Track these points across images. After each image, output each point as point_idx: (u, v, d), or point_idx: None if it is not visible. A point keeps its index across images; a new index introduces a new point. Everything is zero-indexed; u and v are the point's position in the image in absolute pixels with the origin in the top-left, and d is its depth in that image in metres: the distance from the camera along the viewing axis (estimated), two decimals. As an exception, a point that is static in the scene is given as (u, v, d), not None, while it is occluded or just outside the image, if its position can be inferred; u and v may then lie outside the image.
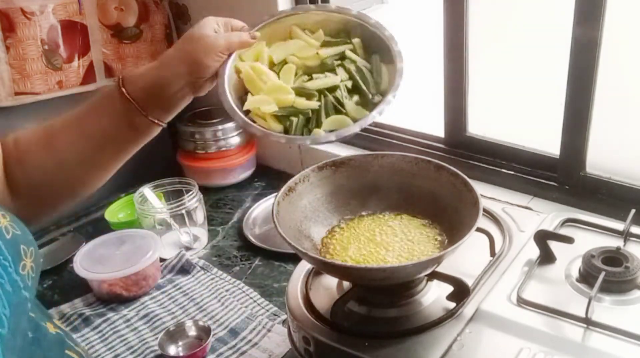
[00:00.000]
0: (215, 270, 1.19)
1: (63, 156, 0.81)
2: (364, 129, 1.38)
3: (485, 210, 1.01)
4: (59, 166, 0.81)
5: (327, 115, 0.87)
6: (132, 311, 1.10)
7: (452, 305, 0.84)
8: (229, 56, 0.89)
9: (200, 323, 1.03)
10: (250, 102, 0.87)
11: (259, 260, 1.22)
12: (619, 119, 1.05)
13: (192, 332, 1.02)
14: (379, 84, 0.91)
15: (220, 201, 1.45)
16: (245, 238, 1.28)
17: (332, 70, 0.91)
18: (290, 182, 0.92)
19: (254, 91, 0.89)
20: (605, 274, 0.82)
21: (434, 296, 0.87)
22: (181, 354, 0.98)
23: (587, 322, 0.78)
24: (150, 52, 1.47)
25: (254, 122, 0.86)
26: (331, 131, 0.86)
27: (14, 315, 0.60)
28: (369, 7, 3.82)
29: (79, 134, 0.81)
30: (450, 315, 0.82)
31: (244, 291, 1.12)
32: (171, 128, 1.56)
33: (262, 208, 1.38)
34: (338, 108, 0.88)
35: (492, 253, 0.93)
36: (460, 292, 0.83)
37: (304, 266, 0.95)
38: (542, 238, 0.92)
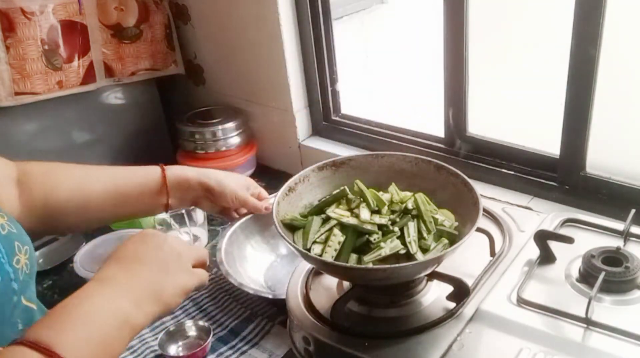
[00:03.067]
0: (215, 270, 1.19)
1: (94, 220, 0.92)
2: (364, 129, 1.40)
3: (485, 210, 1.01)
4: (86, 223, 0.90)
5: None
6: (132, 311, 1.10)
7: (452, 305, 0.84)
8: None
9: (200, 323, 1.03)
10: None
11: (259, 260, 1.22)
12: (619, 119, 1.05)
13: (192, 332, 1.02)
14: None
15: (220, 201, 1.44)
16: (245, 238, 1.28)
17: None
18: (290, 182, 0.92)
19: None
20: (605, 274, 0.82)
21: (434, 296, 0.87)
22: (181, 354, 0.98)
23: (587, 322, 0.78)
24: (150, 52, 1.47)
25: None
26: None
27: None
28: (369, 7, 3.82)
29: (113, 211, 0.88)
30: (450, 315, 0.82)
31: (244, 291, 1.12)
32: (171, 128, 1.57)
33: (262, 208, 1.38)
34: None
35: (492, 253, 0.93)
36: (460, 292, 0.83)
37: (304, 266, 0.95)
38: (542, 238, 0.92)
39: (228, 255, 1.11)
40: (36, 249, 1.29)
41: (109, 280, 0.65)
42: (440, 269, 0.84)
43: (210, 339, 0.99)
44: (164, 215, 1.24)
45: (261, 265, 1.16)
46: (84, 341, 0.57)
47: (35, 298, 0.74)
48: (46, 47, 1.28)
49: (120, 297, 0.63)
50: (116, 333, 0.60)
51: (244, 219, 1.14)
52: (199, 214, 1.28)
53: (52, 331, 0.56)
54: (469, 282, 0.84)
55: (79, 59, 1.34)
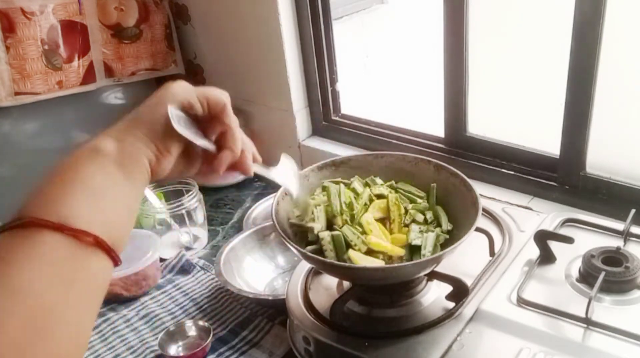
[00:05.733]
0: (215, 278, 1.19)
1: None
2: (364, 129, 1.40)
3: (485, 210, 1.01)
4: None
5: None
6: (132, 311, 1.10)
7: (452, 304, 0.84)
8: None
9: (200, 323, 1.03)
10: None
11: (259, 260, 1.22)
12: (619, 119, 1.05)
13: (192, 332, 1.02)
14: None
15: (220, 201, 1.45)
16: (245, 238, 1.28)
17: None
18: (290, 182, 0.91)
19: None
20: (605, 274, 0.82)
21: (433, 296, 0.87)
22: (181, 354, 0.98)
23: (587, 322, 0.78)
24: (150, 52, 1.47)
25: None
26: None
27: None
28: (369, 7, 3.82)
29: None
30: (450, 315, 0.82)
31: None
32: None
33: (262, 208, 1.38)
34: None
35: (492, 253, 0.93)
36: (460, 292, 0.83)
37: (304, 266, 0.95)
38: (542, 238, 0.92)
39: (227, 271, 1.10)
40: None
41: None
42: (440, 269, 0.84)
43: (210, 339, 0.99)
44: (163, 215, 1.24)
45: (261, 280, 1.15)
46: (86, 206, 0.51)
47: None
48: (46, 47, 1.28)
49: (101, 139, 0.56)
50: (104, 180, 0.53)
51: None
52: (199, 214, 1.28)
53: (56, 206, 0.50)
54: (469, 282, 0.84)
55: (79, 59, 1.34)
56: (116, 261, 0.53)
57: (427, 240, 0.83)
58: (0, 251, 0.48)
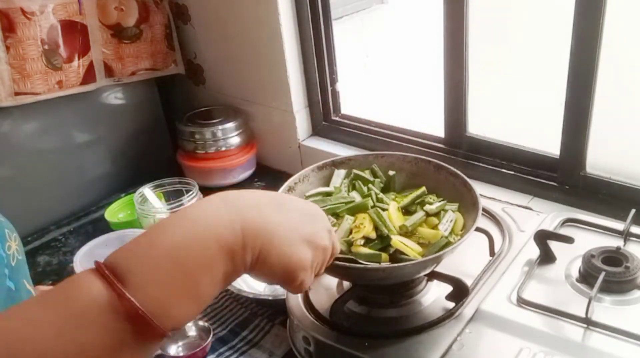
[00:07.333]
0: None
1: None
2: (364, 129, 1.40)
3: (485, 210, 1.02)
4: None
5: None
6: (132, 311, 1.10)
7: (451, 305, 0.84)
8: None
9: (200, 323, 1.03)
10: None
11: (259, 260, 1.22)
12: (619, 119, 1.05)
13: (192, 332, 1.02)
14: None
15: (220, 201, 1.44)
16: (245, 238, 1.28)
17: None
18: (290, 181, 0.92)
19: None
20: (605, 274, 0.82)
21: (433, 296, 0.87)
22: (181, 354, 0.98)
23: (587, 322, 0.78)
24: (150, 52, 1.47)
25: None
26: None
27: None
28: (369, 7, 3.82)
29: None
30: (450, 315, 0.82)
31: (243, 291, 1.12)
32: (171, 128, 1.57)
33: (262, 208, 1.38)
34: None
35: (492, 253, 0.93)
36: (460, 292, 0.83)
37: (304, 266, 0.95)
38: (542, 238, 0.92)
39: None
40: (37, 249, 1.30)
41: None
42: (440, 269, 0.84)
43: (210, 339, 0.99)
44: (163, 215, 1.24)
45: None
46: (144, 251, 0.51)
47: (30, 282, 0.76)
48: (46, 47, 1.28)
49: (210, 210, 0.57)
50: (195, 245, 0.53)
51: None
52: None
53: (117, 252, 0.51)
54: (469, 282, 0.84)
55: (79, 59, 1.34)
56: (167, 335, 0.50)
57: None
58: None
